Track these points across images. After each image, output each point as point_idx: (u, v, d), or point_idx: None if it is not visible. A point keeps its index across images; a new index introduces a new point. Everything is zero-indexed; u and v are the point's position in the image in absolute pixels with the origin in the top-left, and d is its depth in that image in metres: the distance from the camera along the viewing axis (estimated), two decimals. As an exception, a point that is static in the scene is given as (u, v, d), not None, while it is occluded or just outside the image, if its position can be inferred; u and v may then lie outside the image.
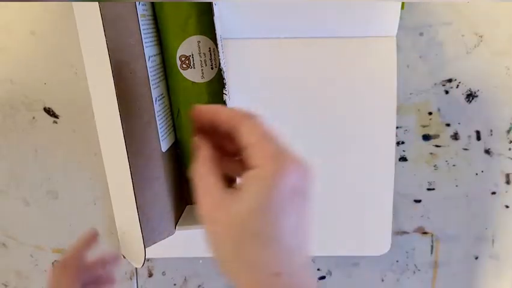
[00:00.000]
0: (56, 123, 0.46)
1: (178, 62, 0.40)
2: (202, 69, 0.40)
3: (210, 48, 0.40)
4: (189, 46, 0.39)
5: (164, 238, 0.40)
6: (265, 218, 0.25)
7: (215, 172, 0.27)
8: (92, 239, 0.38)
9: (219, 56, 0.38)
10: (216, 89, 0.41)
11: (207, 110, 0.29)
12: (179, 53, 0.39)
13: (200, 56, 0.40)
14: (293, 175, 0.25)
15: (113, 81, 0.32)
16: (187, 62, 0.40)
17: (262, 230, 0.25)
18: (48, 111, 0.46)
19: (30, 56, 0.44)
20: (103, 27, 0.31)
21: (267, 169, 0.25)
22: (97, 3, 0.31)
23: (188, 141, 0.42)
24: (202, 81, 0.40)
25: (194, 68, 0.40)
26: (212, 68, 0.40)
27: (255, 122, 0.27)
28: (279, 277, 0.25)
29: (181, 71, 0.40)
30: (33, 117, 0.46)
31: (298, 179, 0.25)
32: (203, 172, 0.27)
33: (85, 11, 0.32)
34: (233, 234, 0.25)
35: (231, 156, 0.29)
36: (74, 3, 0.32)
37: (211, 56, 0.40)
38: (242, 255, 0.25)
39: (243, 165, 0.26)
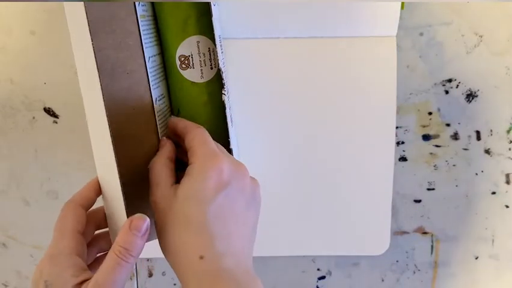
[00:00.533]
0: (56, 123, 0.46)
1: (178, 62, 0.40)
2: (201, 69, 0.40)
3: (209, 48, 0.40)
4: (189, 46, 0.39)
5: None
6: (191, 206, 0.30)
7: (169, 167, 0.33)
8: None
9: (217, 56, 0.38)
10: (215, 89, 0.41)
11: (172, 121, 0.36)
12: (178, 53, 0.39)
13: (199, 56, 0.40)
14: (218, 171, 0.30)
15: (99, 83, 0.32)
16: (186, 62, 0.40)
17: (189, 216, 0.29)
18: (48, 111, 0.46)
19: (30, 56, 0.44)
20: (88, 27, 0.32)
21: (196, 165, 0.31)
22: (83, 3, 0.32)
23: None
24: (201, 81, 0.40)
25: (193, 68, 0.40)
26: (211, 68, 0.40)
27: (199, 131, 0.33)
28: (203, 260, 0.29)
29: (181, 71, 0.40)
30: (33, 117, 0.46)
31: (223, 175, 0.30)
32: (158, 166, 0.33)
33: (72, 10, 0.33)
34: (168, 220, 0.30)
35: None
36: (65, 3, 0.32)
37: (210, 56, 0.40)
38: (173, 239, 0.30)
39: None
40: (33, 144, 0.46)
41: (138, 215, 0.31)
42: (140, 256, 0.31)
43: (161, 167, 0.33)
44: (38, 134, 0.46)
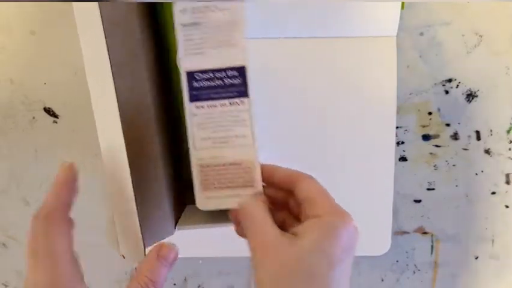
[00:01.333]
0: (56, 123, 0.46)
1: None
2: None
3: None
4: None
5: (164, 238, 0.40)
6: (321, 261, 0.26)
7: (269, 216, 0.29)
8: (71, 177, 0.30)
9: None
10: None
11: (267, 168, 0.33)
12: None
13: None
14: (347, 230, 0.27)
15: (113, 81, 0.32)
16: None
17: (317, 272, 0.26)
18: (48, 111, 0.46)
19: (30, 56, 0.44)
20: (103, 28, 0.31)
21: (327, 219, 0.28)
22: (97, 3, 0.31)
23: (188, 141, 0.42)
24: None
25: None
26: None
27: (313, 180, 0.30)
28: None
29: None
30: (33, 117, 0.46)
31: (350, 236, 0.28)
32: (259, 213, 0.30)
33: (84, 11, 0.32)
34: (288, 273, 0.26)
35: (278, 209, 0.32)
36: (74, 3, 0.32)
37: None
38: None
39: (293, 216, 0.31)
40: (33, 144, 0.46)
41: (168, 243, 0.29)
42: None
43: (262, 211, 0.30)
44: (38, 134, 0.46)
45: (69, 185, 0.29)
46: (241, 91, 0.33)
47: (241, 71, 0.32)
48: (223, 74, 0.33)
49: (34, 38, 0.44)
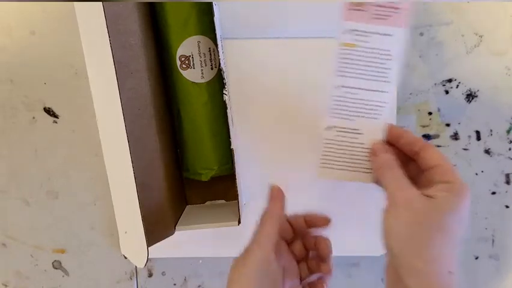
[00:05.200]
0: (56, 123, 0.46)
1: (178, 62, 0.40)
2: (202, 70, 0.40)
3: (209, 48, 0.40)
4: (189, 46, 0.39)
5: (164, 238, 0.40)
6: (453, 220, 0.30)
7: (402, 172, 0.33)
8: (280, 194, 0.36)
9: (219, 56, 0.38)
10: (215, 89, 0.41)
11: (393, 129, 0.36)
12: (179, 53, 0.39)
13: (200, 56, 0.40)
14: (469, 198, 0.31)
15: (117, 83, 0.32)
16: (187, 62, 0.40)
17: (449, 229, 0.30)
18: (48, 111, 0.46)
19: (30, 56, 0.44)
20: (106, 28, 0.31)
21: (458, 185, 0.31)
22: (101, 3, 0.31)
23: (187, 142, 0.42)
24: (202, 81, 0.40)
25: (194, 68, 0.40)
26: (212, 68, 0.40)
27: (438, 149, 0.33)
28: (450, 275, 0.29)
29: (181, 71, 0.40)
30: (33, 117, 0.46)
31: (469, 203, 0.31)
32: (398, 169, 0.33)
33: (87, 11, 0.33)
34: (425, 227, 0.30)
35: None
36: (75, 3, 0.32)
37: (211, 56, 0.40)
38: (427, 245, 0.30)
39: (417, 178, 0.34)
40: (33, 144, 0.46)
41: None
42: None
43: (399, 167, 0.33)
44: (38, 134, 0.46)
45: (281, 199, 0.36)
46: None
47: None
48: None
49: (34, 38, 0.44)
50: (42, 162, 0.47)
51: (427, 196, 0.31)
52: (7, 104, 0.46)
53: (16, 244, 0.49)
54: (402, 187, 0.32)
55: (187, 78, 0.40)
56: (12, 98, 0.45)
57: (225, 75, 0.37)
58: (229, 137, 0.38)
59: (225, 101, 0.37)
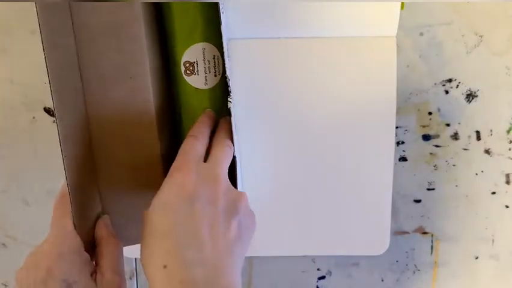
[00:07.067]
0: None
1: (182, 68, 0.40)
2: (205, 76, 0.40)
3: (214, 55, 0.40)
4: (194, 53, 0.39)
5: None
6: (157, 214, 0.30)
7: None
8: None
9: (223, 63, 0.38)
10: (217, 95, 0.41)
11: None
12: (184, 59, 0.40)
13: (204, 63, 0.40)
14: (181, 182, 0.30)
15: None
16: (191, 68, 0.40)
17: (154, 225, 0.30)
18: (48, 111, 0.46)
19: (30, 56, 0.44)
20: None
21: (166, 178, 0.31)
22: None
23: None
24: (205, 87, 0.40)
25: (198, 74, 0.40)
26: (215, 75, 0.40)
27: (190, 140, 0.34)
28: (166, 269, 0.28)
29: (185, 77, 0.40)
30: (33, 117, 0.46)
31: (186, 186, 0.30)
32: None
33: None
34: (142, 232, 0.30)
35: None
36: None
37: (215, 64, 0.40)
38: (142, 248, 0.30)
39: None
40: (33, 144, 0.46)
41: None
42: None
43: None
44: (38, 134, 0.46)
45: None
46: None
47: None
48: None
49: (34, 38, 0.44)
50: (42, 162, 0.47)
51: None
52: (7, 104, 0.46)
53: (16, 244, 0.49)
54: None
55: (191, 84, 0.40)
56: (12, 98, 0.45)
57: (230, 83, 0.37)
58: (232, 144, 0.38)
59: (229, 109, 0.37)
